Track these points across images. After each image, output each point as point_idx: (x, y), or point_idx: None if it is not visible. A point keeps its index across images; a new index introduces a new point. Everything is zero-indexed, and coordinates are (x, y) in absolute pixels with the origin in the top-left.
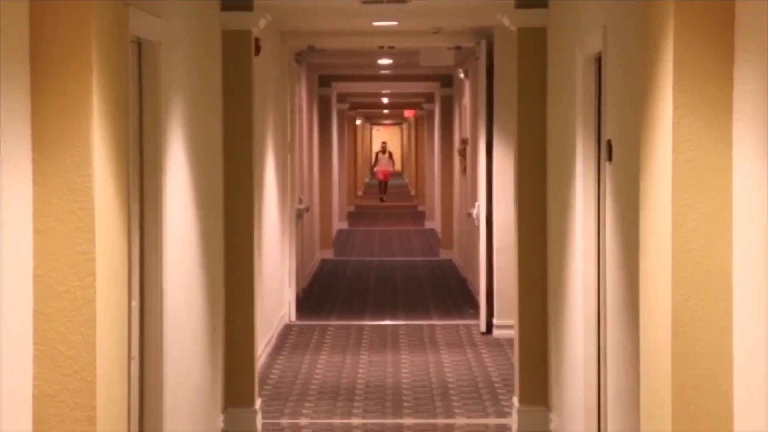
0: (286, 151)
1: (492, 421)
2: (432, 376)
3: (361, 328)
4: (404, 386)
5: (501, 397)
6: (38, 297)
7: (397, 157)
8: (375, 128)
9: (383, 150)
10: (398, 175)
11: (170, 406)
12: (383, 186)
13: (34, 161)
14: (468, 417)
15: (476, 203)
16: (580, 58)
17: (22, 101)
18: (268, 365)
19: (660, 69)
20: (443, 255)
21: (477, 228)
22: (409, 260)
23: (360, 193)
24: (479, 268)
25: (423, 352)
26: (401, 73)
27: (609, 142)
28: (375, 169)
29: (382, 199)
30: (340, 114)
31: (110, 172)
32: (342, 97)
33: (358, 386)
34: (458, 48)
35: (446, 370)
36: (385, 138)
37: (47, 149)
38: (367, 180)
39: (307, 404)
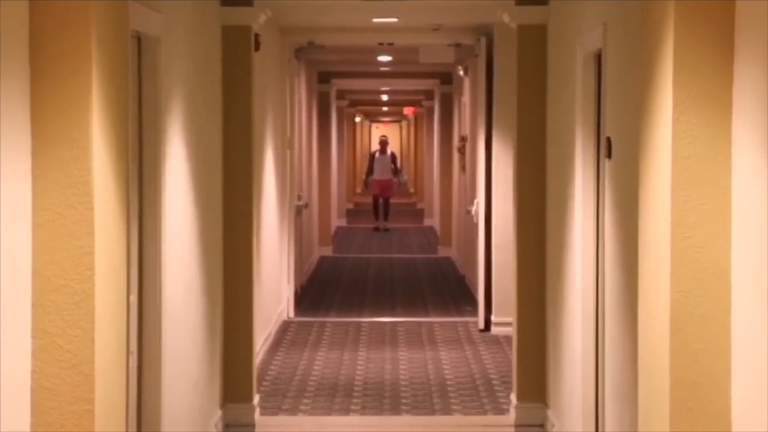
0: (285, 148)
1: (490, 417)
2: (430, 372)
3: (359, 324)
4: (402, 383)
5: (499, 394)
6: (37, 291)
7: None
8: (374, 125)
9: (382, 148)
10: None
11: (168, 400)
12: (381, 206)
13: (34, 155)
14: (466, 414)
15: (475, 200)
16: (580, 55)
17: (21, 95)
18: (267, 361)
19: (660, 65)
20: (442, 252)
21: (476, 225)
22: (408, 257)
23: (359, 190)
24: (478, 265)
25: (421, 349)
26: (401, 70)
27: (608, 139)
28: (370, 179)
29: (378, 228)
30: (340, 111)
31: (110, 166)
32: (341, 94)
33: (356, 383)
34: (458, 45)
35: (444, 367)
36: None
37: (47, 143)
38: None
39: (305, 400)
